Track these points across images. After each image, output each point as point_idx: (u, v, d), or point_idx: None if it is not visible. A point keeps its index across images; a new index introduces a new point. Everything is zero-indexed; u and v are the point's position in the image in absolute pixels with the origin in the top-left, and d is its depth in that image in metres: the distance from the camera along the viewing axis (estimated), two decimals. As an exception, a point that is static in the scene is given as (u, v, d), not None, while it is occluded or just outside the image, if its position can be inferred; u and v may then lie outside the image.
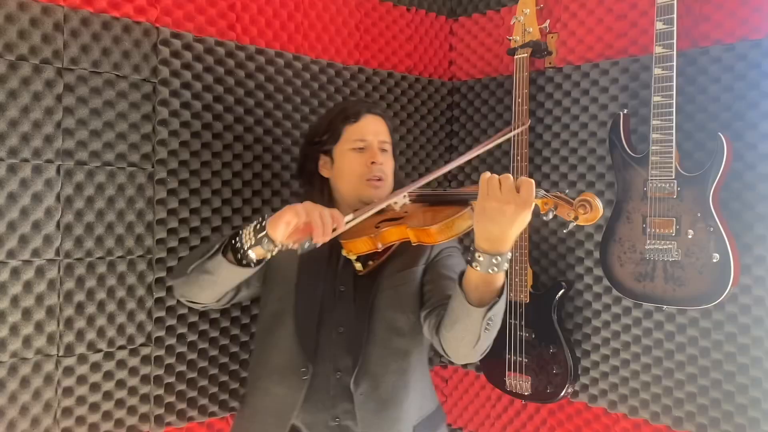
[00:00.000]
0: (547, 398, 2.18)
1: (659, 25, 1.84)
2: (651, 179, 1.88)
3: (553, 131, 2.30)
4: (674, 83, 1.82)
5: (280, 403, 1.57)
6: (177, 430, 1.94)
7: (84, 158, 1.74)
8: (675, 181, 1.84)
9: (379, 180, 1.64)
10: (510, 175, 1.27)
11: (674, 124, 1.82)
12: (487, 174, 1.30)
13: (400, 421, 1.58)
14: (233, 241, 1.44)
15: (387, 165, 1.68)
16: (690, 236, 1.82)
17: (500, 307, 1.36)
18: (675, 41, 1.82)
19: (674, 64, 1.82)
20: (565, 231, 1.38)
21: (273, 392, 1.59)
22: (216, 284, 1.51)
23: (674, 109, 1.82)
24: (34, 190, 1.66)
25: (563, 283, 2.19)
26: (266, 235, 1.36)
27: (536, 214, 1.32)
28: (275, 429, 1.56)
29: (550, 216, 1.28)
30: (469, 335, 1.39)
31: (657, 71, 1.84)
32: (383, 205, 1.49)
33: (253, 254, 1.41)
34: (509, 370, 2.23)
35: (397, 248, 1.57)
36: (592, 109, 2.20)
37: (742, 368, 1.86)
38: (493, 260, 1.30)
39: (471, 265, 1.33)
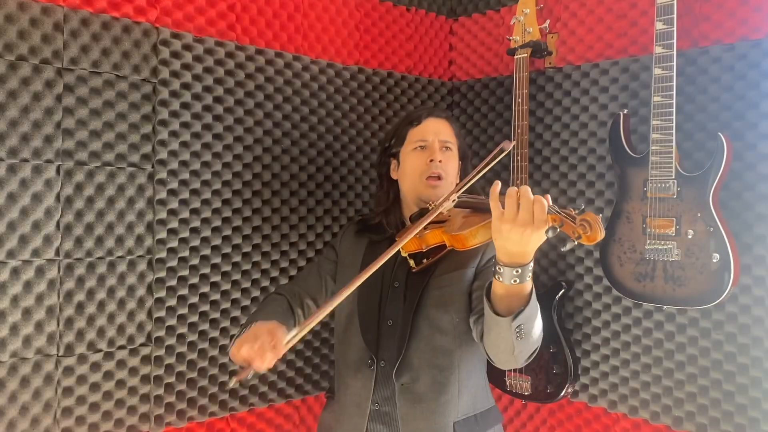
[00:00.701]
0: (547, 398, 2.18)
1: (659, 25, 1.84)
2: (651, 179, 1.88)
3: (553, 131, 2.30)
4: (674, 83, 1.82)
5: (357, 395, 1.69)
6: (177, 430, 1.94)
7: (84, 158, 1.74)
8: (675, 181, 1.84)
9: (438, 179, 1.72)
10: (527, 195, 1.27)
11: (674, 124, 1.82)
12: (497, 189, 1.32)
13: (436, 414, 1.64)
14: None
15: (447, 163, 1.75)
16: (690, 236, 1.82)
17: (528, 315, 1.39)
18: (675, 41, 1.82)
19: (674, 64, 1.81)
20: (563, 250, 1.38)
21: (352, 385, 1.71)
22: None
23: (674, 109, 1.82)
24: (34, 190, 1.66)
25: (563, 283, 2.19)
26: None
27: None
28: (358, 417, 1.68)
29: (550, 234, 1.28)
30: (503, 343, 1.44)
31: (657, 71, 1.84)
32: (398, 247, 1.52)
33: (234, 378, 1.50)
34: (509, 369, 2.23)
35: (452, 249, 1.61)
36: (592, 109, 2.20)
37: (742, 368, 1.86)
38: (515, 272, 1.34)
39: (494, 277, 1.38)
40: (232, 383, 1.38)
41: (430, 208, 1.67)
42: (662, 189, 1.86)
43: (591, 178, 2.19)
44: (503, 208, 1.30)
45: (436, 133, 1.77)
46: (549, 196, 1.31)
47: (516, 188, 1.29)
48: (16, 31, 1.62)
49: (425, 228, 1.56)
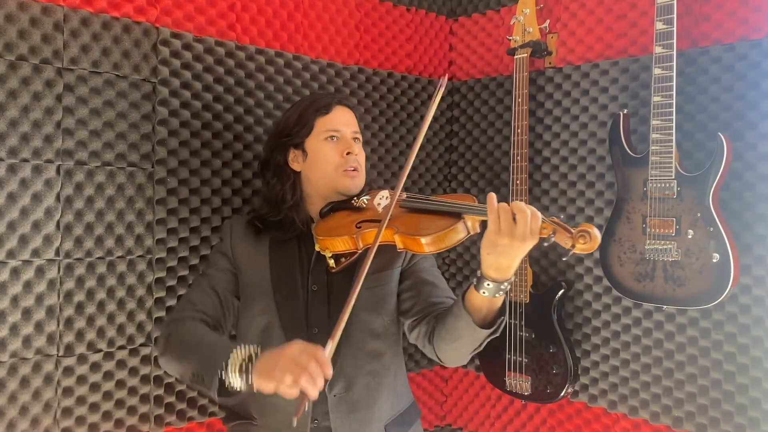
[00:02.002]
0: (547, 398, 2.18)
1: (659, 25, 1.84)
2: (651, 179, 1.88)
3: (553, 131, 2.30)
4: (674, 83, 1.82)
5: (290, 415, 1.51)
6: (177, 430, 1.94)
7: (84, 158, 1.74)
8: (675, 181, 1.84)
9: (354, 170, 1.65)
10: (524, 208, 1.25)
11: (674, 124, 1.82)
12: (494, 202, 1.27)
13: (372, 421, 1.60)
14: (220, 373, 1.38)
15: (360, 155, 1.69)
16: (690, 236, 1.82)
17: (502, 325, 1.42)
18: (675, 41, 1.82)
19: (674, 64, 1.82)
20: (564, 259, 1.39)
21: (283, 406, 1.51)
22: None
23: (674, 109, 1.82)
24: (34, 190, 1.66)
25: (563, 283, 2.19)
26: (251, 384, 1.33)
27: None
28: None
29: (546, 244, 1.28)
30: (469, 348, 1.45)
31: (657, 71, 1.84)
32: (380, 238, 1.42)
33: (295, 419, 1.33)
34: (509, 370, 2.23)
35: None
36: (592, 109, 2.20)
37: (742, 368, 1.86)
38: (501, 286, 1.34)
39: (477, 291, 1.35)
40: (295, 423, 1.25)
41: (356, 203, 1.59)
42: (662, 189, 1.86)
43: (591, 178, 2.19)
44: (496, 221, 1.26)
45: (347, 123, 1.68)
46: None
47: (506, 204, 1.26)
48: (16, 31, 1.62)
49: (359, 226, 1.48)
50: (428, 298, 1.59)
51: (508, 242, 1.26)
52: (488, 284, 1.33)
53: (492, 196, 1.28)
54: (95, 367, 1.77)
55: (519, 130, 2.19)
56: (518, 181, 2.18)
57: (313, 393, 1.25)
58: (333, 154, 1.64)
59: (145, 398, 1.86)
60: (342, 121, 1.68)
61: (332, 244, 1.51)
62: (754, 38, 1.85)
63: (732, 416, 1.87)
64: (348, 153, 1.64)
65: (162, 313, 1.87)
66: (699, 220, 1.80)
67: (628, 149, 1.96)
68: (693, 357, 1.95)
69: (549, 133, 2.31)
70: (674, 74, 1.82)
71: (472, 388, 2.57)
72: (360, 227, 1.48)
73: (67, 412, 1.73)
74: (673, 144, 1.83)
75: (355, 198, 1.62)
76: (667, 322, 2.00)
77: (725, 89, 1.89)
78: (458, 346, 1.46)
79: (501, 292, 1.34)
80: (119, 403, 1.81)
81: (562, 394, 2.14)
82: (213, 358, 1.39)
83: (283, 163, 1.68)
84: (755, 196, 1.83)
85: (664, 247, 1.86)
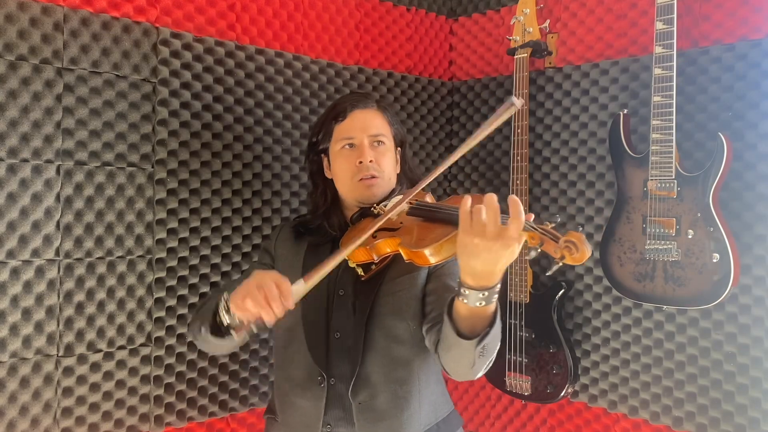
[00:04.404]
0: (547, 398, 2.18)
1: (659, 25, 1.84)
2: (651, 179, 1.88)
3: (553, 131, 2.30)
4: (674, 83, 1.82)
5: (307, 416, 1.56)
6: (177, 430, 1.94)
7: (84, 158, 1.74)
8: (675, 181, 1.84)
9: (372, 178, 1.57)
10: (493, 203, 1.15)
11: (674, 124, 1.82)
12: (468, 203, 1.18)
13: (401, 430, 1.54)
14: (216, 319, 1.44)
15: (381, 160, 1.59)
16: (690, 236, 1.82)
17: (493, 336, 1.31)
18: (675, 41, 1.82)
19: (674, 64, 1.82)
20: (548, 274, 1.31)
21: (299, 405, 1.57)
22: (224, 350, 1.59)
23: (674, 109, 1.82)
24: (34, 190, 1.66)
25: (563, 283, 2.19)
26: (234, 315, 1.36)
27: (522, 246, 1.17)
28: None
29: (533, 255, 1.16)
30: (464, 360, 1.35)
31: (657, 71, 1.84)
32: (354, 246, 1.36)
33: (232, 331, 1.40)
34: (509, 370, 2.23)
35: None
36: (592, 109, 2.20)
37: (742, 368, 1.86)
38: (480, 295, 1.22)
39: (458, 298, 1.26)
40: (235, 336, 1.26)
41: (375, 210, 1.54)
42: (662, 189, 1.86)
43: (591, 178, 2.19)
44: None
45: (363, 128, 1.59)
46: (532, 215, 1.21)
47: (481, 196, 1.17)
48: (16, 31, 1.62)
49: (374, 236, 1.41)
50: (445, 304, 1.46)
51: (479, 243, 1.15)
52: (465, 291, 1.23)
53: (467, 198, 1.19)
54: (95, 367, 1.77)
55: (519, 130, 2.19)
56: (518, 181, 2.18)
57: (267, 317, 1.25)
58: (348, 164, 1.58)
59: (145, 398, 1.86)
60: (357, 126, 1.60)
61: (353, 255, 1.45)
62: (754, 38, 1.85)
63: (732, 416, 1.87)
64: (361, 162, 1.57)
65: (162, 313, 1.87)
66: (699, 220, 1.80)
67: (628, 149, 1.96)
68: (693, 357, 1.95)
69: (549, 133, 2.31)
70: (674, 74, 1.82)
71: (472, 388, 2.58)
72: (375, 237, 1.42)
73: (67, 412, 1.73)
74: (673, 144, 1.83)
75: (375, 205, 1.56)
76: (667, 322, 2.00)
77: (725, 89, 1.89)
78: (453, 357, 1.38)
79: (482, 302, 1.22)
80: (119, 403, 1.81)
81: (562, 394, 2.14)
82: (211, 307, 1.47)
83: (315, 170, 1.69)
84: (755, 196, 1.83)
85: (664, 247, 1.86)
